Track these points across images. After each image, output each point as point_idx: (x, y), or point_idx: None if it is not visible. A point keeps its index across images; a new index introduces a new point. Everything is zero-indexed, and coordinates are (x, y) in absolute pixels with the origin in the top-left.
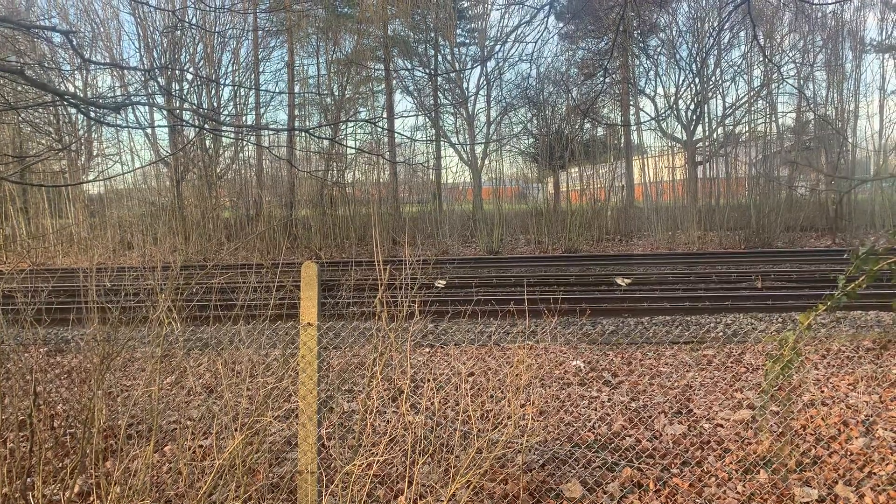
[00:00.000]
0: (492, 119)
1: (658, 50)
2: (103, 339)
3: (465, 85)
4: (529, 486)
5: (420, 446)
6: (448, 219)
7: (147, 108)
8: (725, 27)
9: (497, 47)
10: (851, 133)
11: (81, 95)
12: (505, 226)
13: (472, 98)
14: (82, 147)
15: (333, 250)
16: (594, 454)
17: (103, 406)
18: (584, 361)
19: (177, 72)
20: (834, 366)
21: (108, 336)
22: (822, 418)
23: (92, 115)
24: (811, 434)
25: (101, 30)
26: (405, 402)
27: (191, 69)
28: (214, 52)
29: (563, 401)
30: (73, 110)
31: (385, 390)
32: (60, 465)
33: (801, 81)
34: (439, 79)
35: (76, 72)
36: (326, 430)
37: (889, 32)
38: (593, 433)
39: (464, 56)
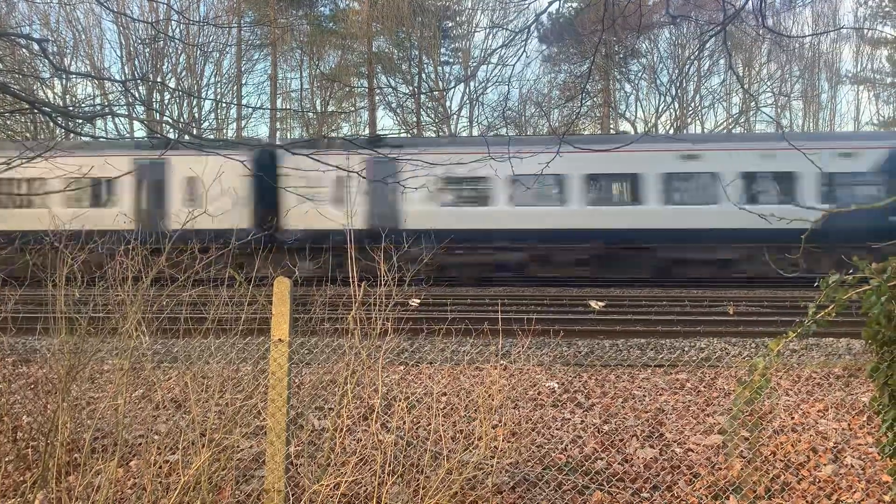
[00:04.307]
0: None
1: (639, 75)
2: (70, 350)
3: (447, 104)
4: None
5: (390, 466)
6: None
7: (126, 118)
8: (705, 55)
9: (479, 68)
10: None
11: (57, 104)
12: None
13: (455, 117)
14: None
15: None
16: (565, 477)
17: (68, 419)
18: (557, 382)
19: (158, 82)
20: (804, 392)
21: (75, 347)
22: (792, 445)
23: (66, 124)
24: (780, 460)
25: (83, 37)
26: (376, 421)
27: (172, 80)
28: (197, 64)
29: (536, 422)
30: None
31: (356, 409)
32: (21, 478)
33: (778, 110)
34: (422, 97)
35: (55, 79)
36: (296, 448)
37: (864, 65)
38: (565, 455)
39: (447, 75)
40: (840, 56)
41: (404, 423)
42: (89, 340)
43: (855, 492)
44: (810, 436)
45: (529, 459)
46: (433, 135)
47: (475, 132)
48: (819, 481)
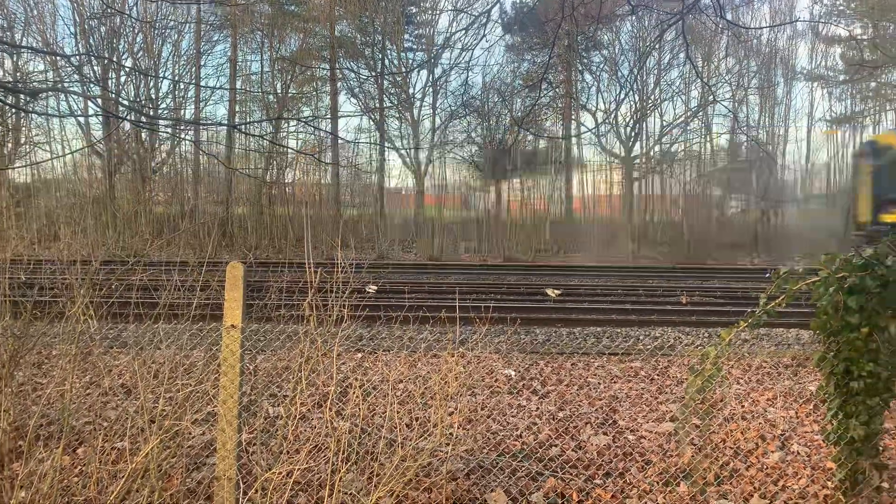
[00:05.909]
0: (436, 126)
1: (601, 66)
2: (13, 334)
3: (410, 90)
4: (454, 495)
5: (344, 454)
6: (389, 224)
7: (81, 97)
8: (665, 48)
9: (442, 52)
10: (781, 156)
11: (7, 81)
12: (445, 233)
13: (418, 103)
14: (9, 133)
15: (270, 251)
16: (519, 464)
17: (10, 405)
18: (514, 370)
19: (111, 60)
20: (754, 381)
21: (19, 332)
22: (742, 432)
23: (14, 101)
24: (730, 447)
25: (35, 13)
26: (331, 408)
27: (129, 59)
28: (154, 43)
29: (492, 409)
30: None
31: (311, 396)
32: None
33: (736, 104)
34: (385, 82)
35: (5, 56)
36: (249, 435)
37: (818, 62)
38: (520, 442)
39: (410, 62)
40: (796, 53)
41: (359, 410)
42: (35, 324)
43: (800, 478)
44: (759, 423)
45: (484, 446)
46: (396, 121)
47: (437, 120)
48: (767, 468)
